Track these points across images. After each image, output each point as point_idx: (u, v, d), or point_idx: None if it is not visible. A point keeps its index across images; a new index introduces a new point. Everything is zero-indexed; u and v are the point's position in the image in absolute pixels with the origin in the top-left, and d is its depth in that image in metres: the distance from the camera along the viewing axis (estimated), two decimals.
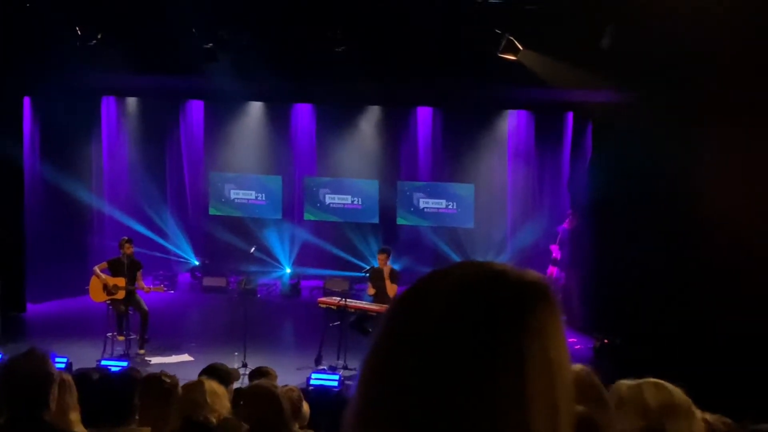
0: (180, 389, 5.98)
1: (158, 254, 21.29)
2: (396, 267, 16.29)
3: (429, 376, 1.32)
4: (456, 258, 20.89)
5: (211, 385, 5.82)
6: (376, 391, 1.38)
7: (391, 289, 15.08)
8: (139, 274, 15.31)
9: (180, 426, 5.51)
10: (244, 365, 13.44)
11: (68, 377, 5.29)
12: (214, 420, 5.60)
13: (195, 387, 5.78)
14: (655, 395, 3.74)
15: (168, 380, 6.10)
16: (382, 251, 15.62)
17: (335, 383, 12.71)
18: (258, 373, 7.80)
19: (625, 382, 3.88)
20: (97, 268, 15.21)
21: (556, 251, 18.53)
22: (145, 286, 15.33)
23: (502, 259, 20.71)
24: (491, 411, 1.30)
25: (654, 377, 3.90)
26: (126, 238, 15.75)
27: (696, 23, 12.25)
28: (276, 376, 8.09)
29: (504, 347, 1.32)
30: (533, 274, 1.41)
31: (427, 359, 1.32)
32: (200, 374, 6.99)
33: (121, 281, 14.98)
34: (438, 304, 1.36)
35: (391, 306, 1.45)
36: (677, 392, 3.81)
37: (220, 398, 5.83)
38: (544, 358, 1.34)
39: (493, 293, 1.36)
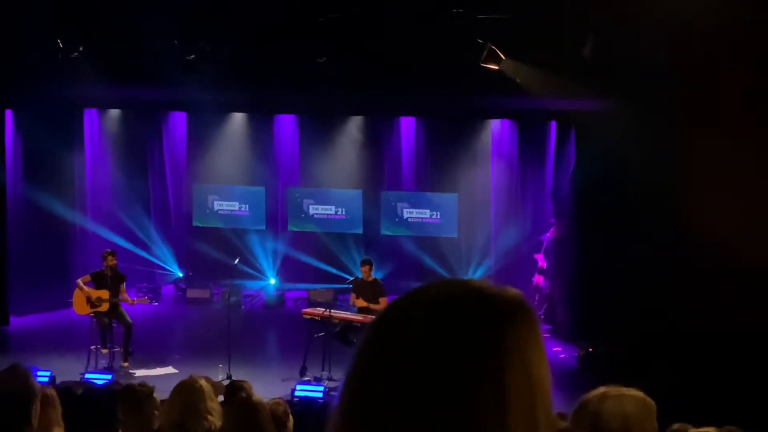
0: (175, 390, 6.00)
1: (141, 267, 21.22)
2: (377, 276, 16.28)
3: (407, 393, 1.32)
4: (440, 268, 20.92)
5: (209, 388, 5.84)
6: (357, 405, 1.39)
7: (384, 302, 15.08)
8: (122, 286, 15.26)
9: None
10: (229, 377, 13.42)
11: (52, 392, 5.26)
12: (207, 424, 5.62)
13: (186, 390, 5.80)
14: (618, 415, 3.68)
15: (142, 389, 6.10)
16: (365, 262, 15.61)
17: (320, 394, 12.69)
18: (232, 387, 7.74)
19: (596, 391, 3.83)
20: (80, 281, 15.16)
21: (541, 260, 18.57)
22: (128, 299, 15.28)
23: (487, 268, 20.79)
24: (471, 426, 1.30)
25: (637, 386, 3.87)
26: (109, 250, 15.70)
27: (676, 30, 12.30)
28: (251, 389, 8.04)
29: (483, 365, 1.33)
30: (512, 291, 1.43)
31: (405, 376, 1.33)
32: None
33: (104, 294, 14.93)
34: (418, 322, 1.37)
35: (374, 321, 1.46)
36: (643, 416, 3.75)
37: (211, 401, 5.85)
38: (524, 374, 1.35)
39: (472, 311, 1.37)
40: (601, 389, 3.76)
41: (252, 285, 21.37)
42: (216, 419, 5.82)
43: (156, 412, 6.15)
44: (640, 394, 3.72)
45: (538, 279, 18.40)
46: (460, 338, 1.34)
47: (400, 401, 1.32)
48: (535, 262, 18.71)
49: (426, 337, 1.35)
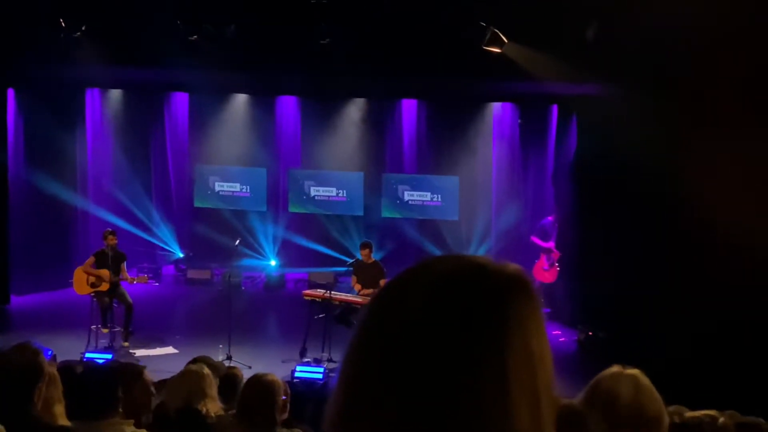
0: (182, 373, 6.08)
1: (142, 247, 21.26)
2: (378, 258, 16.31)
3: (409, 369, 1.33)
4: (440, 250, 20.93)
5: (209, 374, 5.91)
6: (357, 384, 1.40)
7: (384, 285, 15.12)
8: (123, 265, 15.27)
9: (179, 411, 5.59)
10: (229, 357, 13.48)
11: (53, 370, 5.29)
12: (208, 409, 5.68)
13: (200, 376, 5.88)
14: (631, 392, 3.74)
15: (131, 368, 6.14)
16: (365, 245, 15.64)
17: (320, 375, 12.74)
18: (227, 377, 7.73)
19: (608, 371, 3.89)
20: (85, 267, 15.18)
21: (541, 242, 18.49)
22: (129, 278, 15.30)
23: (487, 252, 20.78)
24: (473, 402, 1.31)
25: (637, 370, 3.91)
26: (110, 229, 15.72)
27: (680, 16, 12.27)
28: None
29: (484, 340, 1.33)
30: (513, 266, 1.43)
31: (406, 353, 1.33)
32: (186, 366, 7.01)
33: (105, 273, 14.95)
34: (417, 298, 1.37)
35: (372, 299, 1.46)
36: (652, 393, 3.82)
37: (214, 388, 5.93)
38: (525, 349, 1.35)
39: (472, 286, 1.37)
40: (614, 368, 3.82)
41: (253, 266, 21.40)
42: (217, 407, 5.91)
43: (151, 390, 6.20)
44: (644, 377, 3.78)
45: (542, 260, 18.28)
46: (458, 314, 1.34)
47: (400, 379, 1.33)
48: (536, 245, 18.62)
49: (424, 314, 1.35)
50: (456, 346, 1.32)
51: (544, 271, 18.06)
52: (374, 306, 1.43)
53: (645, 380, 3.78)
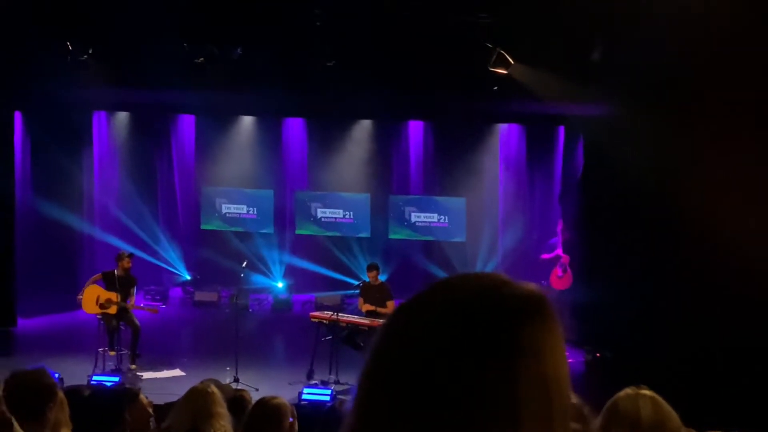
0: (187, 393, 6.07)
1: (149, 269, 21.22)
2: (382, 278, 16.28)
3: (419, 398, 1.31)
4: (447, 272, 20.89)
5: (215, 391, 5.90)
6: (369, 410, 1.37)
7: (391, 305, 15.14)
8: (132, 290, 15.25)
9: None
10: (236, 380, 13.44)
11: (60, 392, 5.30)
12: (215, 429, 5.67)
13: (205, 394, 5.86)
14: (650, 411, 3.77)
15: (130, 392, 6.14)
16: (371, 267, 15.61)
17: (327, 398, 12.69)
18: (235, 399, 7.70)
19: (624, 392, 3.91)
20: (91, 282, 15.16)
21: (549, 255, 18.43)
22: (136, 305, 15.29)
23: (495, 271, 20.71)
24: (481, 428, 1.29)
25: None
26: (127, 252, 15.72)
27: (686, 36, 12.29)
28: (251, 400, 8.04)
29: (494, 369, 1.30)
30: (529, 287, 1.39)
31: (417, 381, 1.31)
32: None
33: (113, 296, 14.90)
34: (429, 324, 1.35)
35: (385, 323, 1.43)
36: (669, 410, 3.84)
37: (221, 404, 5.92)
38: (540, 376, 1.33)
39: (484, 312, 1.34)
40: (629, 390, 3.84)
41: (260, 288, 21.38)
42: (227, 424, 5.88)
43: (149, 412, 6.20)
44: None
45: (557, 270, 18.23)
46: (469, 342, 1.31)
47: (411, 407, 1.31)
48: (545, 262, 18.56)
49: (435, 342, 1.32)
50: (466, 375, 1.30)
51: (560, 279, 18.05)
52: (387, 331, 1.41)
53: (660, 399, 3.81)
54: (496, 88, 15.88)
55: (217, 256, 21.26)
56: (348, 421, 1.40)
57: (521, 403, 1.30)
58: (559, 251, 18.17)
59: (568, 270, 18.05)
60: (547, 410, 1.33)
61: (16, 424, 4.62)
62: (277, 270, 21.91)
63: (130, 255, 15.58)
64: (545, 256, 18.43)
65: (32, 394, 4.70)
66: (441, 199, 21.92)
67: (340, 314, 14.82)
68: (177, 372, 14.83)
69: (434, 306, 1.37)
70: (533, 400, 1.31)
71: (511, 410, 1.29)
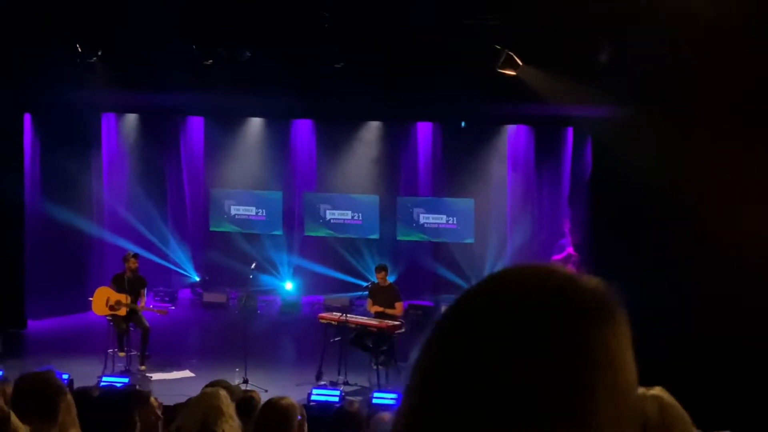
0: (198, 396, 6.10)
1: (158, 271, 21.23)
2: (391, 280, 16.27)
3: (483, 405, 1.23)
4: (456, 273, 20.90)
5: (224, 394, 5.93)
6: (422, 416, 1.29)
7: (399, 307, 15.18)
8: (143, 291, 15.30)
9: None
10: (245, 381, 13.46)
11: (68, 394, 5.32)
12: (224, 430, 5.69)
13: (215, 395, 5.89)
14: (656, 412, 3.76)
15: (140, 393, 6.16)
16: (380, 268, 15.62)
17: (336, 399, 12.72)
18: (244, 400, 7.72)
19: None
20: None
21: (560, 255, 18.38)
22: (145, 307, 15.33)
23: None
24: None
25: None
26: (132, 252, 15.77)
27: (694, 37, 12.28)
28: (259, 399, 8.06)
29: (568, 372, 1.23)
30: (595, 284, 1.32)
31: (480, 387, 1.24)
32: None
33: (124, 298, 14.93)
34: (494, 323, 1.27)
35: (439, 323, 1.34)
36: (679, 412, 3.83)
37: (230, 407, 5.95)
38: (612, 384, 1.26)
39: (551, 315, 1.26)
40: (641, 390, 3.82)
41: (268, 290, 21.37)
42: (236, 427, 5.91)
43: (158, 414, 6.23)
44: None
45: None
46: (543, 342, 1.23)
47: (474, 414, 1.23)
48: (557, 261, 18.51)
49: (505, 341, 1.24)
50: (533, 385, 1.22)
51: None
52: (440, 336, 1.32)
53: (669, 399, 3.78)
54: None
55: (225, 257, 21.28)
56: (400, 418, 1.33)
57: (595, 413, 1.23)
58: (570, 250, 18.13)
59: (582, 267, 17.97)
60: (619, 418, 1.25)
61: (13, 417, 4.66)
62: (286, 271, 21.91)
63: (135, 255, 15.63)
64: (556, 257, 18.39)
65: (41, 395, 4.74)
66: (449, 201, 21.91)
67: (348, 315, 14.84)
68: (186, 373, 14.87)
69: (500, 305, 1.29)
70: (606, 408, 1.24)
71: (584, 421, 1.22)
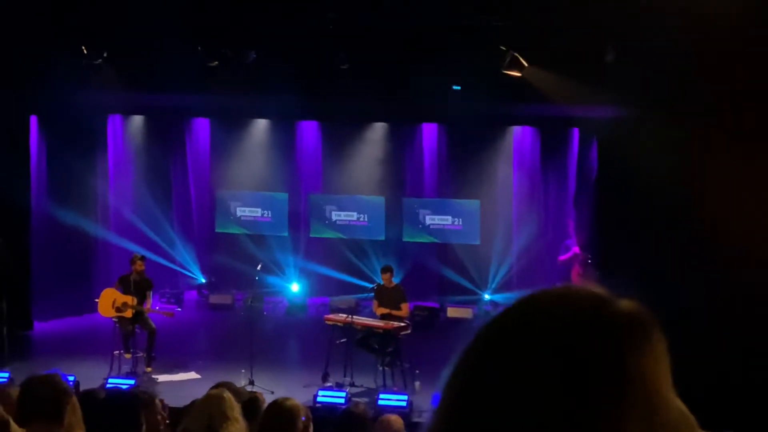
0: (203, 398, 6.11)
1: (164, 273, 21.24)
2: (396, 281, 16.26)
3: (519, 413, 1.22)
4: (461, 274, 20.93)
5: (230, 396, 5.94)
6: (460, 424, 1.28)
7: (405, 308, 15.19)
8: (149, 293, 15.30)
9: None
10: (251, 382, 13.47)
11: (74, 397, 5.34)
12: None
13: (220, 397, 5.90)
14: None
15: (145, 395, 6.17)
16: (385, 269, 15.62)
17: (342, 400, 12.74)
18: (249, 401, 7.73)
19: None
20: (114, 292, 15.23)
21: (566, 255, 18.33)
22: (152, 309, 15.34)
23: (508, 276, 20.78)
24: None
25: None
26: (139, 255, 15.79)
27: (699, 37, 12.27)
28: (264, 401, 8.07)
29: (600, 402, 1.21)
30: (630, 305, 1.31)
31: (509, 411, 1.22)
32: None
33: (130, 299, 14.95)
34: (519, 347, 1.25)
35: (479, 332, 1.32)
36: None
37: (236, 409, 5.96)
38: (648, 408, 1.23)
39: (584, 334, 1.24)
40: None
41: (274, 291, 21.37)
42: (241, 430, 5.92)
43: (165, 416, 6.24)
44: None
45: (576, 269, 18.10)
46: (569, 369, 1.21)
47: (510, 425, 1.21)
48: (564, 264, 18.44)
49: (529, 367, 1.22)
50: (572, 399, 1.20)
51: (582, 275, 17.94)
52: (482, 340, 1.31)
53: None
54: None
55: (231, 259, 21.29)
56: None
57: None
58: (576, 250, 18.10)
59: (588, 262, 17.92)
60: None
61: (13, 424, 4.68)
62: (292, 273, 21.91)
63: (143, 258, 15.65)
64: (562, 257, 18.36)
65: (47, 398, 4.76)
66: (455, 202, 21.89)
67: (354, 317, 14.85)
68: (192, 375, 14.87)
69: (524, 328, 1.27)
70: (640, 429, 1.21)
71: None
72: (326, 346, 14.65)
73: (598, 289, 1.32)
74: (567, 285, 1.36)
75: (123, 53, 16.37)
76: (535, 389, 1.20)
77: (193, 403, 6.90)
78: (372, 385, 14.22)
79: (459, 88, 16.27)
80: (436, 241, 21.88)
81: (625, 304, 1.30)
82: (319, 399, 12.86)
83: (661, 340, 1.29)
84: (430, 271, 21.25)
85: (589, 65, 14.90)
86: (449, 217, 21.87)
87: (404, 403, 12.79)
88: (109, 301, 15.07)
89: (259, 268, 16.56)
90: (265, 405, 6.76)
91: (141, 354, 15.14)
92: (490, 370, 1.25)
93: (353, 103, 17.93)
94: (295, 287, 21.59)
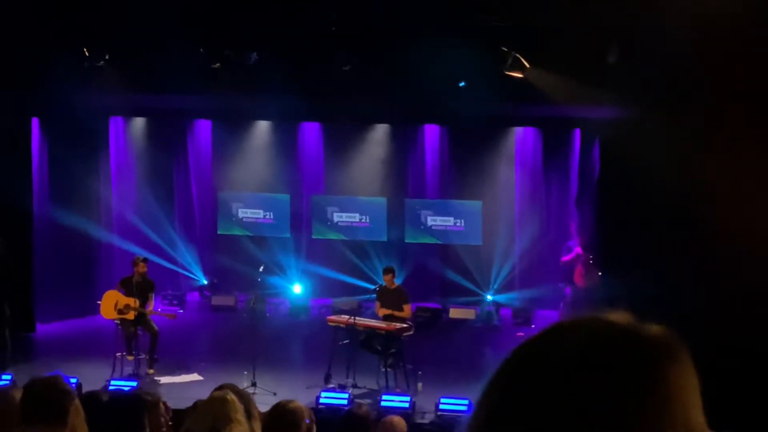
0: (207, 400, 6.11)
1: (166, 274, 21.24)
2: (398, 282, 16.24)
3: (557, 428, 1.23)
4: (464, 276, 20.93)
5: (234, 398, 5.94)
6: None
7: (407, 309, 15.19)
8: (151, 295, 15.30)
9: None
10: (254, 384, 13.47)
11: (76, 399, 5.34)
12: None
13: (224, 399, 5.90)
14: None
15: (149, 397, 6.17)
16: (387, 270, 15.61)
17: (345, 401, 12.74)
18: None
19: None
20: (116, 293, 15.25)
21: (569, 256, 18.31)
22: (154, 311, 15.36)
23: (511, 277, 20.78)
24: None
25: None
26: (141, 257, 15.79)
27: (702, 37, 12.26)
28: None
29: (646, 413, 1.23)
30: (662, 329, 1.34)
31: (552, 419, 1.24)
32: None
33: (132, 302, 14.95)
34: (562, 363, 1.27)
35: (510, 358, 1.34)
36: None
37: (240, 411, 5.96)
38: (686, 424, 1.26)
39: (627, 352, 1.28)
40: None
41: (277, 292, 21.35)
42: (245, 430, 5.91)
43: (168, 418, 6.24)
44: None
45: (579, 269, 18.08)
46: (614, 382, 1.24)
47: None
48: (567, 265, 18.42)
49: (574, 384, 1.24)
50: (614, 419, 1.23)
51: (584, 276, 17.91)
52: (514, 365, 1.32)
53: None
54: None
55: (233, 260, 21.30)
56: None
57: None
58: (578, 250, 18.09)
59: (590, 262, 17.90)
60: None
61: None
62: (294, 274, 21.90)
63: (145, 259, 15.65)
64: (564, 258, 18.35)
65: (49, 400, 4.77)
66: (457, 203, 21.88)
67: (357, 318, 14.84)
68: (195, 376, 14.88)
69: (566, 347, 1.29)
70: None
71: None
72: (329, 347, 14.66)
73: (625, 316, 1.35)
74: (593, 314, 1.38)
75: (124, 55, 16.37)
76: (576, 405, 1.23)
77: (196, 404, 6.90)
78: (374, 387, 14.23)
79: (464, 84, 16.27)
80: (438, 242, 21.88)
81: (656, 327, 1.34)
82: (321, 400, 12.85)
83: (690, 363, 1.32)
84: (432, 272, 21.24)
85: (591, 66, 14.90)
86: (451, 218, 21.86)
87: (407, 405, 12.80)
88: (112, 303, 15.07)
89: (261, 269, 16.57)
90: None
91: (143, 356, 15.14)
92: (524, 391, 1.27)
93: (355, 104, 17.92)
94: (297, 289, 21.57)
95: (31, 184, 18.33)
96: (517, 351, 1.33)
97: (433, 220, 21.91)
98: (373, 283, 18.46)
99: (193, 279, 22.32)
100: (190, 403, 7.62)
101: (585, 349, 1.27)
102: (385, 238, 21.96)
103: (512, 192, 21.40)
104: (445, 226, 21.89)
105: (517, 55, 15.25)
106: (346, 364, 14.27)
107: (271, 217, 22.51)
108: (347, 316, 14.99)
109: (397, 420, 7.36)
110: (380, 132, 21.81)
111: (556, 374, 1.25)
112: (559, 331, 1.33)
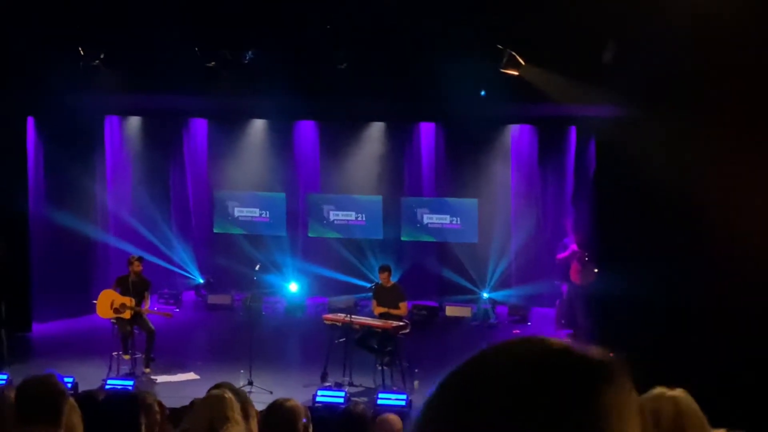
0: (205, 398, 6.11)
1: (162, 273, 21.23)
2: (394, 280, 16.23)
3: None
4: (460, 274, 20.94)
5: (231, 397, 5.94)
6: None
7: (404, 307, 15.17)
8: (147, 294, 15.30)
9: None
10: (250, 383, 13.47)
11: (70, 398, 5.34)
12: None
13: (221, 398, 5.90)
14: (671, 413, 3.75)
15: (145, 397, 6.17)
16: (383, 269, 15.60)
17: (341, 400, 12.75)
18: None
19: (650, 392, 3.89)
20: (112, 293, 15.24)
21: (564, 253, 18.30)
22: (150, 310, 15.35)
23: (507, 274, 20.79)
24: None
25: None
26: (135, 256, 15.78)
27: (697, 36, 12.28)
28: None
29: (580, 425, 1.23)
30: (600, 351, 1.33)
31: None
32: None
33: (128, 301, 14.95)
34: (498, 387, 1.26)
35: (448, 379, 1.33)
36: (696, 414, 3.82)
37: (237, 410, 5.96)
38: None
39: (564, 373, 1.27)
40: (657, 390, 3.81)
41: (273, 291, 21.35)
42: (242, 430, 5.91)
43: (161, 419, 6.24)
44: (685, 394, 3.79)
45: (575, 266, 18.06)
46: (551, 403, 1.23)
47: None
48: (562, 262, 18.40)
49: (512, 406, 1.23)
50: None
51: (581, 272, 17.90)
52: (451, 386, 1.32)
53: (687, 401, 3.77)
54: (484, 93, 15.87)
55: (230, 259, 21.32)
56: None
57: None
58: (574, 247, 18.08)
59: (586, 259, 17.89)
60: None
61: None
62: (290, 273, 21.89)
63: (140, 258, 15.65)
64: (560, 255, 18.35)
65: (44, 399, 4.76)
66: (453, 201, 21.88)
67: (353, 316, 14.84)
68: (191, 375, 14.87)
69: (502, 369, 1.29)
70: None
71: None
72: (325, 345, 14.66)
73: (561, 340, 1.34)
74: (528, 336, 1.37)
75: (120, 54, 16.33)
76: (509, 425, 1.22)
77: (192, 403, 6.90)
78: (371, 385, 14.23)
79: (484, 93, 16.30)
80: (434, 240, 21.88)
81: (594, 350, 1.32)
82: (318, 399, 12.86)
83: (628, 386, 1.31)
84: (429, 270, 21.23)
85: (587, 64, 14.91)
86: (447, 216, 21.87)
87: (403, 403, 12.80)
88: (108, 303, 15.06)
89: (257, 268, 16.56)
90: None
91: (140, 355, 15.14)
92: (459, 410, 1.27)
93: (351, 102, 17.94)
94: (293, 287, 21.55)
95: (27, 184, 18.30)
96: (455, 373, 1.33)
97: (429, 218, 21.91)
98: (370, 281, 18.48)
99: (189, 278, 22.31)
100: (186, 402, 7.63)
101: (518, 369, 1.27)
102: (381, 237, 21.96)
103: (508, 190, 21.41)
104: (441, 224, 21.89)
105: (513, 53, 15.25)
106: (342, 363, 14.26)
107: (267, 215, 22.50)
108: (343, 315, 14.97)
109: (394, 418, 7.36)
110: (376, 130, 21.80)
111: (488, 396, 1.25)
112: (494, 354, 1.32)
